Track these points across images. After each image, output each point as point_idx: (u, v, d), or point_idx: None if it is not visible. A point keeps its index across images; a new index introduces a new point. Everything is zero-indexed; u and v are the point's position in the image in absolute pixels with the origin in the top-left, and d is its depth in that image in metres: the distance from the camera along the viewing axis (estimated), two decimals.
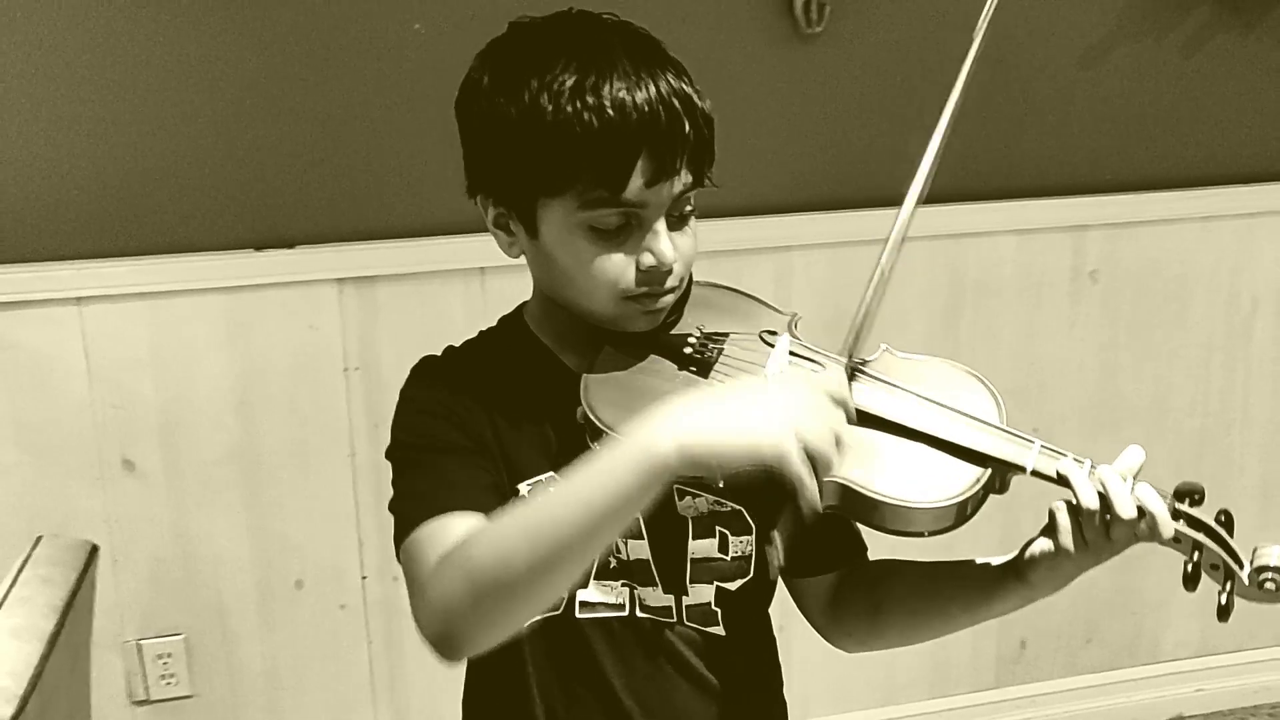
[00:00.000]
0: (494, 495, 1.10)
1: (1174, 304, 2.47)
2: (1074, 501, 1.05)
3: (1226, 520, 1.06)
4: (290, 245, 2.05)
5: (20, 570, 1.49)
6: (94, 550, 1.59)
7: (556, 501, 0.98)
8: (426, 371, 1.20)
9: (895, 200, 2.42)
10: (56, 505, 2.03)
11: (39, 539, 1.59)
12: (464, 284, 2.12)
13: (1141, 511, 1.04)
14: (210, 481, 2.10)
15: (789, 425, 0.93)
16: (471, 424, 1.14)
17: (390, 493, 1.14)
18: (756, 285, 2.61)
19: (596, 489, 0.95)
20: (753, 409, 0.95)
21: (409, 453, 1.14)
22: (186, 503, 2.10)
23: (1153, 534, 1.04)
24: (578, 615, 1.14)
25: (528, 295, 2.14)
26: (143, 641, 2.12)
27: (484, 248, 2.09)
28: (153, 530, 2.09)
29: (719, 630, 1.19)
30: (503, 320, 1.25)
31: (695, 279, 1.20)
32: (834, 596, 1.26)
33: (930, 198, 2.49)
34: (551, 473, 1.14)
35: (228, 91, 2.00)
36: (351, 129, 2.06)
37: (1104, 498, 1.04)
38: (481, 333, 1.25)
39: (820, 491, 0.97)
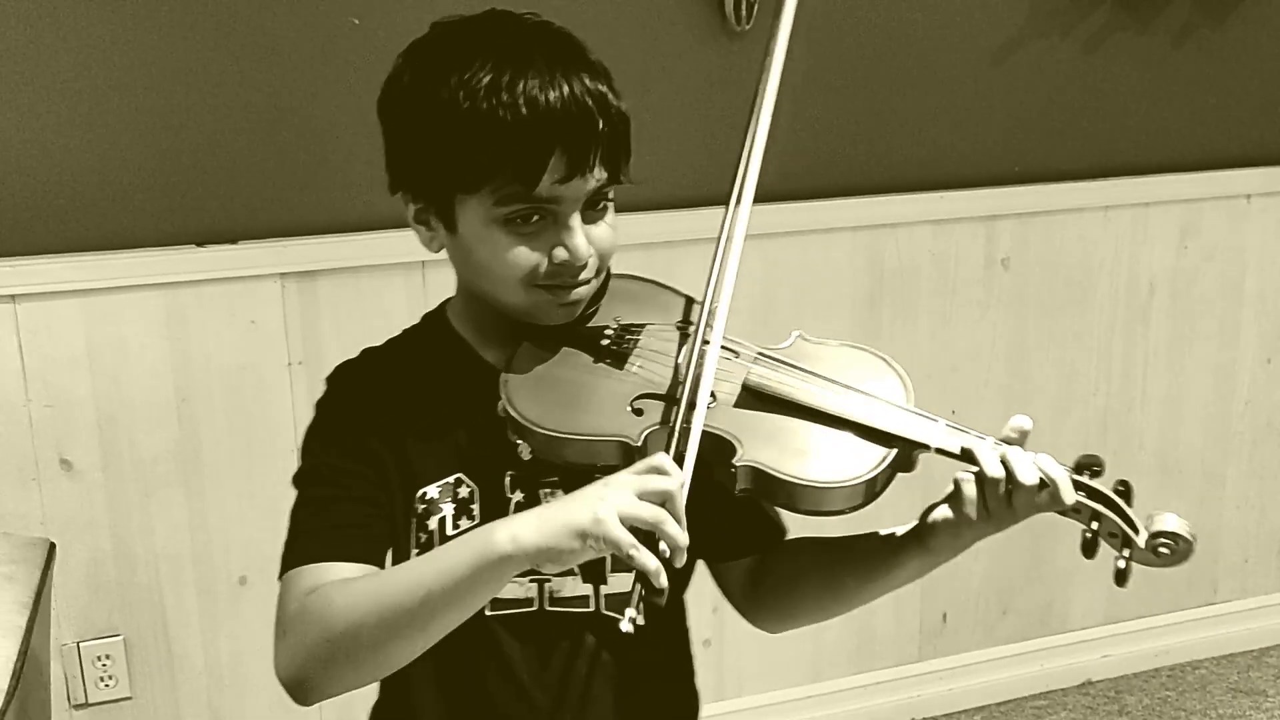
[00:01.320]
0: (374, 542, 1.15)
1: (1078, 289, 2.61)
2: (979, 473, 1.09)
3: (1125, 490, 1.10)
4: (233, 241, 2.05)
5: None
6: (52, 547, 1.58)
7: (404, 582, 1.06)
8: (339, 385, 1.22)
9: (822, 193, 2.52)
10: None
11: None
12: (405, 278, 2.13)
13: (1044, 481, 1.07)
14: (150, 479, 2.08)
15: (603, 502, 0.99)
16: (374, 448, 1.17)
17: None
18: (688, 276, 2.69)
19: (436, 578, 1.04)
20: (574, 500, 1.02)
21: (306, 488, 1.19)
22: (126, 501, 2.07)
23: (1054, 502, 1.08)
24: (488, 613, 1.16)
25: None
26: (82, 644, 2.09)
27: None
28: (91, 530, 2.06)
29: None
30: (426, 317, 1.27)
31: (614, 271, 1.23)
32: (752, 579, 1.29)
33: (851, 190, 2.60)
34: (460, 474, 1.17)
35: (168, 86, 1.99)
36: (292, 124, 2.06)
37: (1007, 468, 1.08)
38: (405, 331, 1.27)
39: (735, 477, 1.08)
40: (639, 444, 1.10)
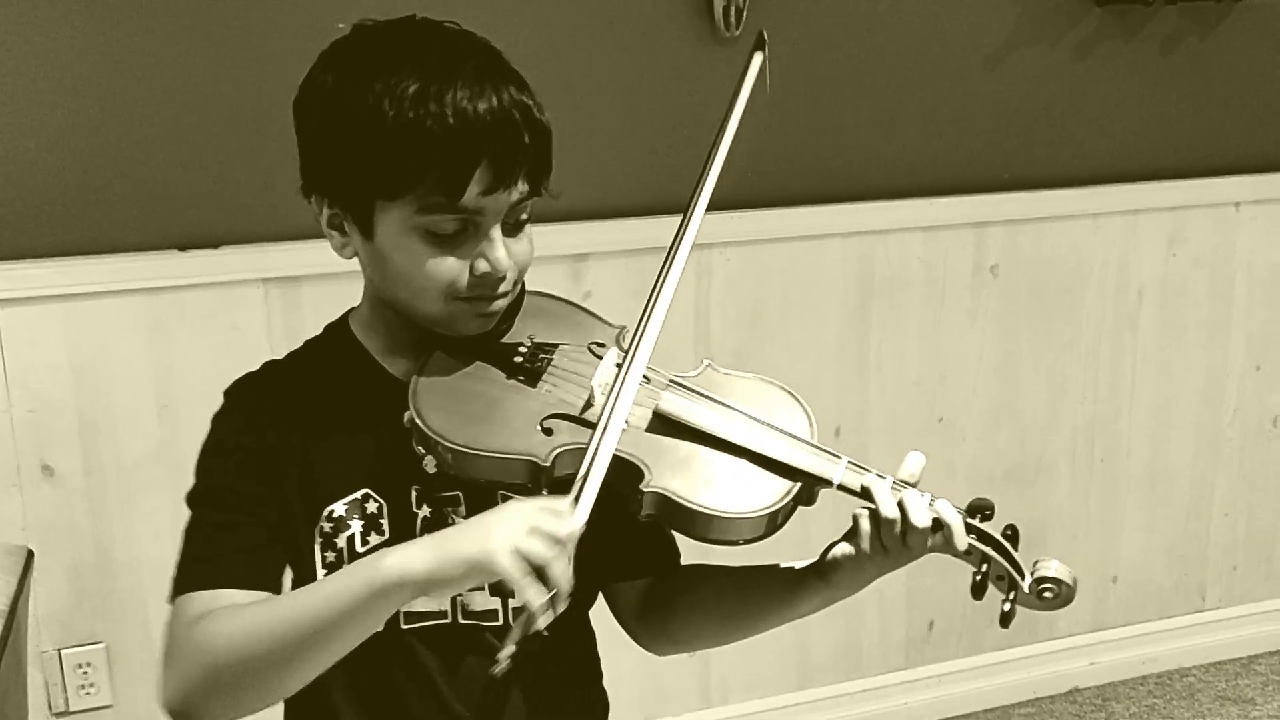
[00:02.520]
0: (268, 570, 1.14)
1: (1067, 296, 2.60)
2: (874, 511, 1.11)
3: (1012, 534, 1.12)
4: (215, 246, 2.03)
5: None
6: (30, 555, 1.56)
7: (292, 610, 1.06)
8: (239, 397, 1.20)
9: (812, 199, 2.51)
10: None
11: None
12: None
13: (939, 524, 1.11)
14: (132, 485, 2.06)
15: (496, 535, 0.99)
16: (273, 456, 1.15)
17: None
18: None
19: (326, 606, 1.04)
20: (467, 530, 1.02)
21: (201, 509, 1.17)
22: (107, 508, 2.06)
23: (947, 545, 1.11)
24: (403, 626, 1.16)
25: None
26: (62, 651, 2.08)
27: None
28: (73, 537, 2.04)
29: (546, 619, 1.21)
30: (328, 327, 1.26)
31: (529, 289, 1.23)
32: (645, 601, 1.29)
33: (841, 197, 2.60)
34: (367, 489, 1.16)
35: (151, 90, 1.98)
36: (275, 128, 2.04)
37: (902, 510, 1.10)
38: (307, 342, 1.26)
39: (641, 502, 1.09)
40: (547, 464, 1.09)
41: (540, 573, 0.98)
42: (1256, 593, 2.93)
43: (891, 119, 2.41)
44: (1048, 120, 2.52)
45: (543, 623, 0.98)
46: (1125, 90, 2.56)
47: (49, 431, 2.00)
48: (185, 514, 2.13)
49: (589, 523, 1.05)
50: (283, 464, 1.15)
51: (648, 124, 2.24)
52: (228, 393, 1.21)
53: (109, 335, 2.01)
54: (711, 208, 2.53)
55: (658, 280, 1.18)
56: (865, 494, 1.12)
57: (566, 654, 1.25)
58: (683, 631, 1.28)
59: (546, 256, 2.21)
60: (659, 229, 2.27)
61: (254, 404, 1.18)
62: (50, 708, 2.09)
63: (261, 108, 2.04)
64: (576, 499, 1.05)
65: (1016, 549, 1.12)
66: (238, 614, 1.07)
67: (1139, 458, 2.74)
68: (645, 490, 1.09)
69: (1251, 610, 2.92)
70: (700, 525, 1.10)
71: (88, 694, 2.10)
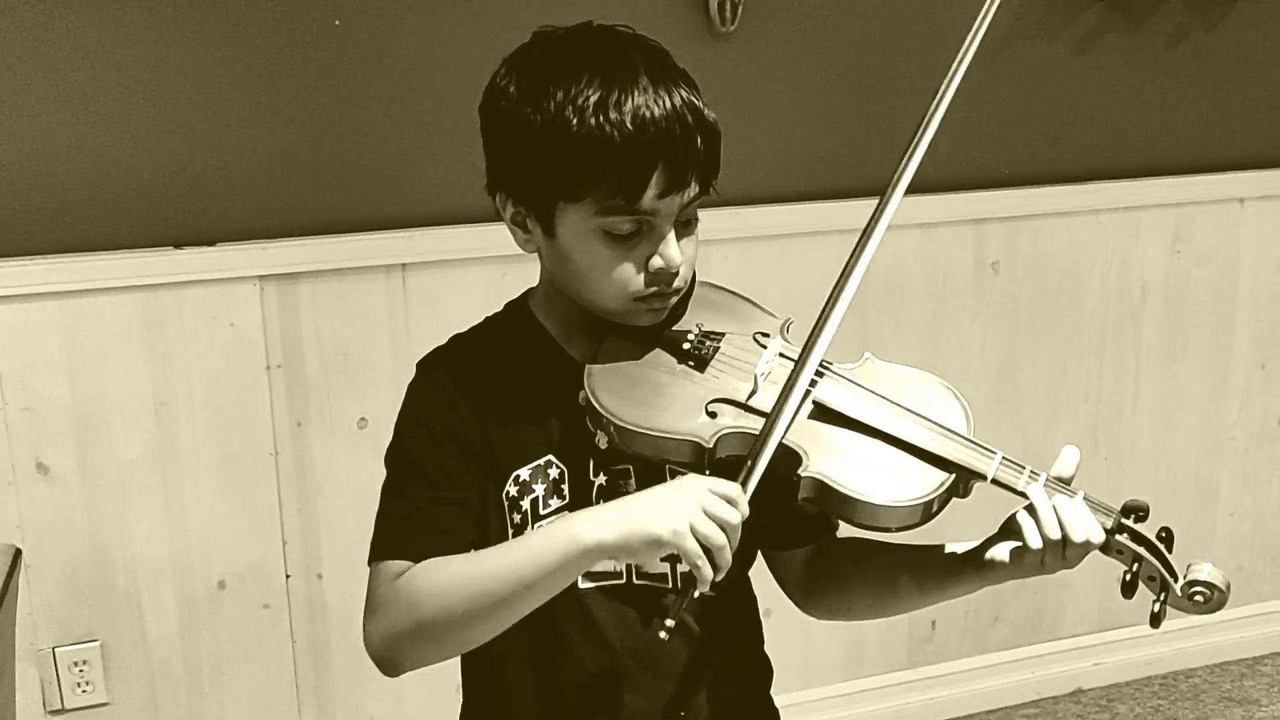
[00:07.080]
0: (460, 546, 1.21)
1: (1069, 294, 2.58)
2: (1041, 530, 1.14)
3: (1167, 536, 1.15)
4: (210, 243, 2.03)
5: None
6: (17, 554, 1.56)
7: (494, 568, 1.15)
8: (431, 370, 1.28)
9: (808, 196, 2.49)
10: None
11: None
12: (385, 280, 2.12)
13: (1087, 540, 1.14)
14: (128, 483, 2.06)
15: (679, 517, 1.08)
16: (465, 431, 1.24)
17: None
18: None
19: (526, 563, 1.13)
20: (653, 508, 1.11)
21: (400, 470, 1.26)
22: (103, 505, 2.06)
23: (1084, 547, 1.14)
24: (580, 585, 1.23)
25: (448, 291, 2.16)
26: (58, 649, 2.08)
27: (405, 244, 2.12)
28: (68, 534, 2.05)
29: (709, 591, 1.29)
30: (509, 306, 1.33)
31: (699, 279, 1.29)
32: (808, 570, 1.36)
33: (837, 193, 2.57)
34: (550, 456, 1.25)
35: (145, 87, 1.98)
36: (272, 125, 2.05)
37: (1063, 529, 1.13)
38: (488, 318, 1.33)
39: (798, 486, 1.16)
40: (710, 445, 1.16)
41: (710, 553, 1.08)
42: (1262, 593, 2.90)
43: (886, 113, 2.39)
44: (1048, 115, 2.50)
45: (709, 593, 1.10)
46: (1128, 84, 2.54)
47: (44, 429, 2.01)
48: (181, 511, 2.15)
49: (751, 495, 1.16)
50: (473, 433, 1.24)
51: None
52: (420, 365, 1.29)
53: (104, 332, 2.01)
54: (706, 205, 2.51)
55: (843, 273, 1.25)
56: (1024, 497, 1.16)
57: (726, 612, 1.31)
58: (838, 601, 1.34)
59: None
60: None
61: (445, 376, 1.26)
62: (45, 705, 2.09)
63: (257, 105, 2.04)
64: (744, 485, 1.13)
65: (1171, 551, 1.14)
66: (442, 568, 1.18)
67: (1143, 457, 2.72)
68: (803, 475, 1.15)
69: (1257, 611, 2.89)
70: (855, 511, 1.15)
71: (84, 692, 2.10)
